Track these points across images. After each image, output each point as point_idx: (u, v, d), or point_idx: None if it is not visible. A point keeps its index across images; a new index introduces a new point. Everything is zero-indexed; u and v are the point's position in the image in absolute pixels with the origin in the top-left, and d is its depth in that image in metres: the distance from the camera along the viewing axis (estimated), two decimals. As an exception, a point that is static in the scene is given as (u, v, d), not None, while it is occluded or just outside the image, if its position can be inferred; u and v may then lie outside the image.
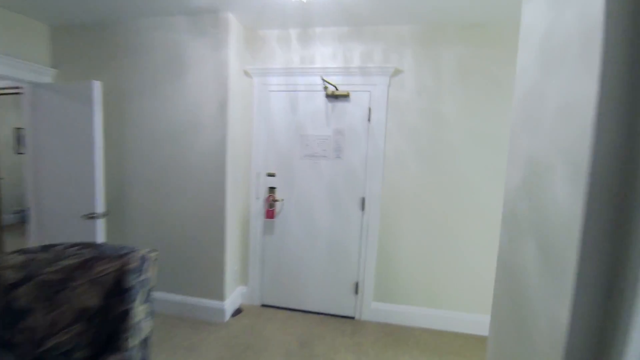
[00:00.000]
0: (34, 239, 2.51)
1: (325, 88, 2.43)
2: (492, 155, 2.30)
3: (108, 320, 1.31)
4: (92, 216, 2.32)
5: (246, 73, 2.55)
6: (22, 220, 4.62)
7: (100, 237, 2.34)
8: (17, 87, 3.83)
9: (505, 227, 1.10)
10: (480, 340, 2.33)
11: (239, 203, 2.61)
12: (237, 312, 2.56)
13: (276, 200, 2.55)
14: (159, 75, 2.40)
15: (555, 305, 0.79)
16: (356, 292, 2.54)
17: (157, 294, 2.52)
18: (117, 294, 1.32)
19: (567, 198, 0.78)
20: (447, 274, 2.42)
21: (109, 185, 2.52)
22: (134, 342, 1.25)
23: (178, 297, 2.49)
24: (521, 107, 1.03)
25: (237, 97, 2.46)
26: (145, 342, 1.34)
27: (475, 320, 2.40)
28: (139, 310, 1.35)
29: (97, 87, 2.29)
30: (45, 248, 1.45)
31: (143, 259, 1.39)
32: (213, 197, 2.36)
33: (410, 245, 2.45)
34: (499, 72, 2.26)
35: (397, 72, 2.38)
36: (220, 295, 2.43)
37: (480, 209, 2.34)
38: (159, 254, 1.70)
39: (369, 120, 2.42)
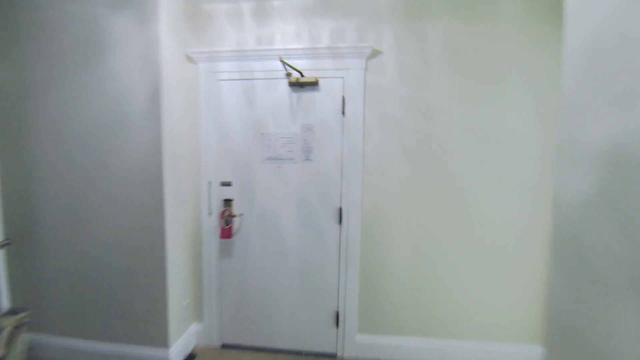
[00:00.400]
0: None
1: (288, 74, 1.96)
2: (492, 152, 1.92)
3: None
4: (-18, 249, 1.73)
5: (189, 58, 2.04)
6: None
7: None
8: None
9: (560, 264, 0.67)
10: (486, 374, 1.93)
11: (187, 221, 2.09)
12: (190, 358, 2.04)
13: (233, 216, 2.05)
14: (71, 61, 1.85)
15: None
16: (337, 323, 2.08)
17: (79, 344, 1.95)
18: None
19: None
20: (444, 296, 2.01)
21: (10, 207, 1.93)
22: None
23: (107, 347, 1.93)
24: (583, 68, 0.62)
25: (177, 88, 1.94)
26: None
27: (480, 349, 1.99)
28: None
29: (-16, 77, 1.72)
30: None
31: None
32: (148, 216, 1.83)
33: (399, 263, 2.02)
34: (496, 51, 1.88)
35: (375, 53, 1.95)
36: (163, 341, 1.90)
37: (481, 217, 1.95)
38: (27, 315, 1.13)
39: (343, 113, 1.98)
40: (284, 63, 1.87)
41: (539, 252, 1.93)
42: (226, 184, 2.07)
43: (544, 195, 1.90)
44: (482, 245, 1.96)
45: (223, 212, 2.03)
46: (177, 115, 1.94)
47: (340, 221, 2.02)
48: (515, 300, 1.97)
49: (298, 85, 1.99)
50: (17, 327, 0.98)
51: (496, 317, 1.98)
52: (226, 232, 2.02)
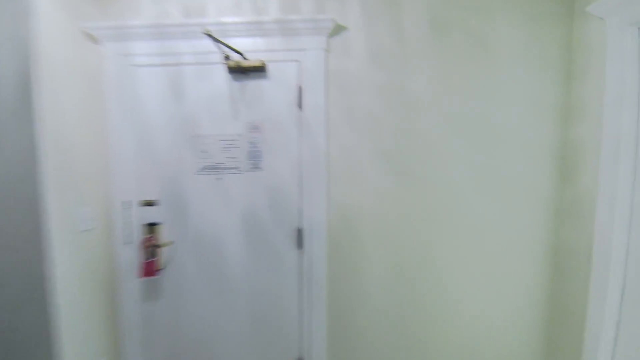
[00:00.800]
0: None
1: (227, 57, 1.49)
2: (485, 151, 1.55)
3: None
4: None
5: (90, 36, 1.52)
6: None
7: None
8: None
9: None
10: None
11: (94, 256, 1.56)
12: None
13: (159, 246, 1.56)
14: None
15: None
16: (301, 373, 1.65)
17: None
18: None
19: None
20: (431, 330, 1.62)
21: None
22: None
23: None
24: None
25: (68, 75, 1.41)
26: None
27: (477, 394, 1.64)
28: None
29: None
30: None
31: None
32: (22, 259, 1.30)
33: (377, 293, 1.62)
34: (486, 28, 1.51)
35: (338, 29, 1.52)
36: None
37: (474, 230, 1.58)
38: None
39: (299, 106, 1.54)
40: (214, 40, 1.39)
41: (545, 272, 1.58)
42: (149, 204, 1.57)
43: (545, 201, 1.56)
44: (477, 264, 1.59)
45: (145, 241, 1.53)
46: (69, 112, 1.41)
47: (300, 245, 1.58)
48: (518, 331, 1.62)
49: (239, 71, 1.52)
50: None
51: (497, 353, 1.63)
52: (149, 268, 1.52)
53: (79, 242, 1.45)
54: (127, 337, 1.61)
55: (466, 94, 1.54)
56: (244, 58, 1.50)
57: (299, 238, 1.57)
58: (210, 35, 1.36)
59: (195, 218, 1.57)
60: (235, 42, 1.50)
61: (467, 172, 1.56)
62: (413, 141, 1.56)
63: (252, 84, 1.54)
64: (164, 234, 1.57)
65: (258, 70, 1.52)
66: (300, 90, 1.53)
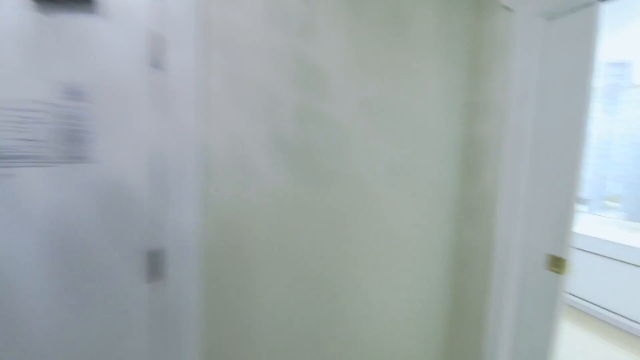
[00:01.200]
0: None
1: (17, -35, 0.86)
2: (400, 144, 1.34)
3: None
4: None
5: None
6: None
7: None
8: None
9: None
10: None
11: None
12: None
13: None
14: None
15: None
16: None
17: None
18: None
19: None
20: (336, 348, 1.34)
21: None
22: None
23: None
24: None
25: None
26: None
27: None
28: None
29: None
30: None
31: None
32: None
33: (272, 321, 1.23)
34: (406, 6, 1.29)
35: (221, -38, 1.07)
36: None
37: (386, 232, 1.35)
38: None
39: (158, 66, 1.02)
40: None
41: (450, 271, 1.48)
42: None
43: (452, 199, 1.45)
44: (389, 270, 1.37)
45: None
46: None
47: (158, 273, 1.06)
48: (424, 333, 1.48)
49: (47, -4, 0.91)
50: None
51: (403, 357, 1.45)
52: None
53: None
54: None
55: (381, 75, 1.29)
56: (55, -25, 0.90)
57: (157, 263, 1.05)
58: None
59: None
60: (37, -55, 0.89)
61: (380, 168, 1.32)
62: (321, 127, 1.22)
63: (74, 22, 0.94)
64: None
65: (83, 1, 0.94)
66: (160, 42, 1.01)
